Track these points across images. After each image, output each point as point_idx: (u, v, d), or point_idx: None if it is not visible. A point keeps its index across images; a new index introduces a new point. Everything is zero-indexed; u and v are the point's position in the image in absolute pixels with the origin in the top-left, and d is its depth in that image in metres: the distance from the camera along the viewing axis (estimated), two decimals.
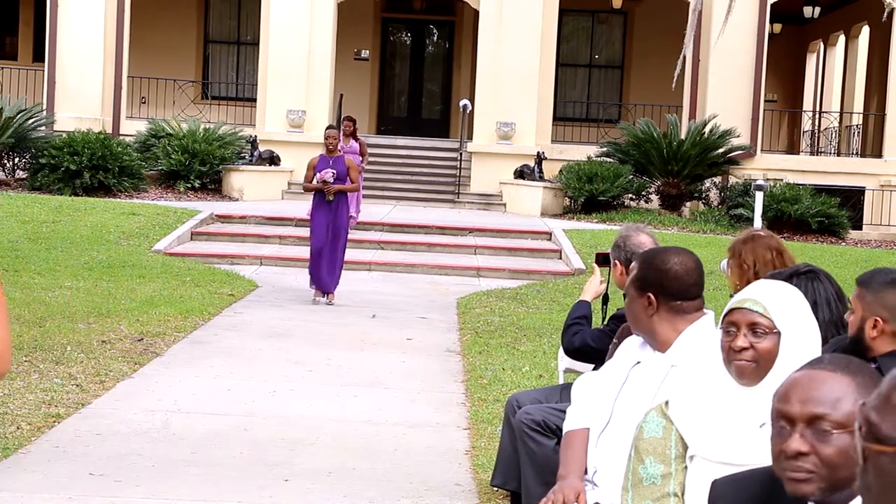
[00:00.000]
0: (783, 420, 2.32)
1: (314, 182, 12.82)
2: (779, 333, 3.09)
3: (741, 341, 3.06)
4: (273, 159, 22.15)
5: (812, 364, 2.38)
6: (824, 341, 4.15)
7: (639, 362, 3.85)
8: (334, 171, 12.77)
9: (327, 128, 13.56)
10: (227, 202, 20.74)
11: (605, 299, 5.96)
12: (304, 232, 14.14)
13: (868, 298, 3.84)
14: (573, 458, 3.86)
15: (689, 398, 3.20)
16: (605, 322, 5.71)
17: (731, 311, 3.12)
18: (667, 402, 3.21)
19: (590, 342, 5.43)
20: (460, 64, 28.04)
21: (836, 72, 30.42)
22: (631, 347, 3.96)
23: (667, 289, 3.79)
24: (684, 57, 9.23)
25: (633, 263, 3.99)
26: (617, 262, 5.46)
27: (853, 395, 2.28)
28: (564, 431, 3.99)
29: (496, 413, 7.62)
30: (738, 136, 22.43)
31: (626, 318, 4.03)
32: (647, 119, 23.06)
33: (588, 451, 3.88)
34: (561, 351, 6.05)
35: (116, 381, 8.35)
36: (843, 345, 3.99)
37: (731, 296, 5.40)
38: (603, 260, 5.92)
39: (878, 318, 3.79)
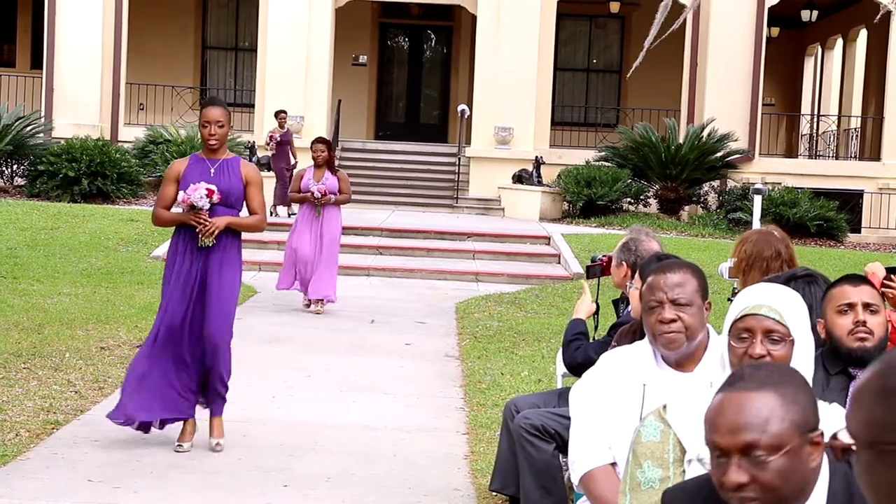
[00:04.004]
0: (717, 451, 2.28)
1: (181, 209, 6.88)
2: (793, 341, 3.09)
3: (759, 349, 3.04)
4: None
5: (733, 384, 2.31)
6: (820, 344, 4.15)
7: (646, 384, 3.73)
8: (212, 189, 6.80)
9: (205, 102, 7.03)
10: None
11: (596, 310, 5.97)
12: None
13: None
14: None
15: (687, 402, 3.20)
16: (603, 332, 5.70)
17: (745, 317, 3.10)
18: (664, 407, 3.21)
19: (592, 355, 5.42)
20: (458, 69, 28.06)
21: (833, 75, 30.43)
22: (624, 363, 3.81)
23: None
24: (645, 49, 9.24)
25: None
26: (623, 262, 5.45)
27: (780, 410, 2.23)
28: (585, 470, 3.70)
29: (495, 418, 7.61)
30: (737, 140, 22.45)
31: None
32: (645, 123, 23.08)
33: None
34: (559, 356, 6.05)
35: (115, 388, 8.33)
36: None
37: (734, 290, 5.43)
38: (592, 272, 5.92)
39: None
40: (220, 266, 6.92)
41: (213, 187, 6.79)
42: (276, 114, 20.60)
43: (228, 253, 6.99)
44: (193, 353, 6.87)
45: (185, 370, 6.85)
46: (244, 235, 7.32)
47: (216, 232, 6.82)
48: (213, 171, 6.91)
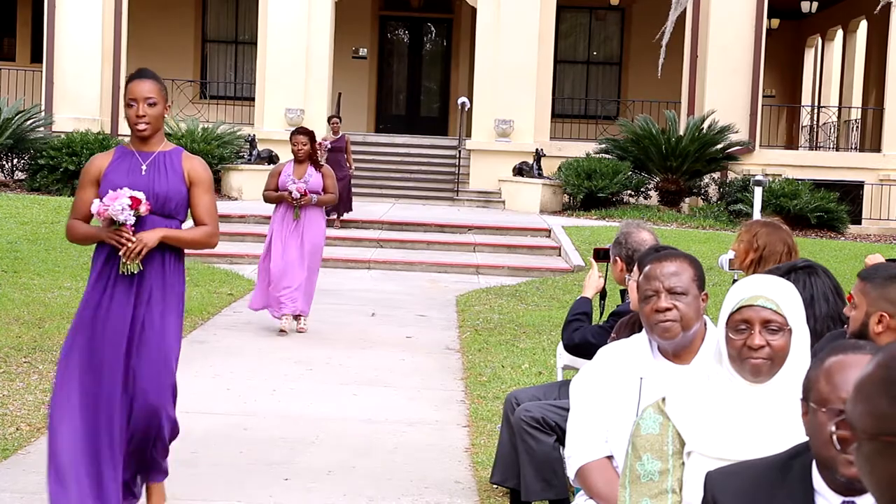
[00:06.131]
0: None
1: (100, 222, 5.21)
2: (791, 330, 3.09)
3: (758, 339, 3.05)
4: (272, 158, 22.15)
5: (845, 349, 2.40)
6: (821, 335, 4.15)
7: (643, 377, 3.74)
8: (138, 197, 5.06)
9: (132, 75, 5.41)
10: (226, 201, 20.74)
11: (604, 294, 5.96)
12: None
13: (872, 293, 3.77)
14: (609, 492, 3.62)
15: (686, 394, 3.20)
16: (605, 318, 5.71)
17: (742, 308, 3.10)
18: (663, 399, 3.21)
19: (589, 338, 5.44)
20: (458, 62, 28.05)
21: (834, 66, 30.41)
22: (622, 357, 3.82)
23: None
24: (666, 47, 9.24)
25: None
26: (617, 258, 5.46)
27: None
28: (581, 463, 3.72)
29: (495, 410, 7.62)
30: (737, 132, 22.45)
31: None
32: (645, 115, 23.07)
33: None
34: (560, 347, 6.06)
35: None
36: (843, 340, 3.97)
37: (735, 281, 5.43)
38: (601, 255, 5.93)
39: (884, 314, 3.73)
40: (155, 297, 5.11)
41: (141, 195, 5.04)
42: (329, 119, 19.65)
43: (167, 279, 5.17)
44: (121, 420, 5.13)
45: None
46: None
47: (144, 252, 5.04)
48: (144, 167, 5.18)
